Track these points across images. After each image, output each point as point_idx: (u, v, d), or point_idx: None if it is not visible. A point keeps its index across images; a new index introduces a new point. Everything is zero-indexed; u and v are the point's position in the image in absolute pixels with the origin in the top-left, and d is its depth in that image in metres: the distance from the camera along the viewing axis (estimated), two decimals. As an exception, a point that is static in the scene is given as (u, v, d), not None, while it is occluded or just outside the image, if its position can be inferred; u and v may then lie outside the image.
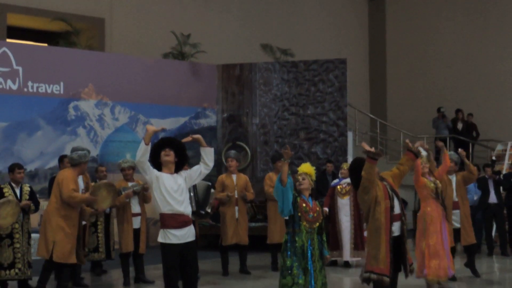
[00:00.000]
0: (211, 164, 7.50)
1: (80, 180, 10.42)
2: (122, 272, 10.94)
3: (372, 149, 8.65)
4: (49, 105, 14.93)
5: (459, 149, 11.47)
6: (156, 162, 7.40)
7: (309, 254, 7.78)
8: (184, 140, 7.50)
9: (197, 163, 7.57)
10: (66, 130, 15.21)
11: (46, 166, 14.61)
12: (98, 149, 15.65)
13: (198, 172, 7.49)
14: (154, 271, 12.04)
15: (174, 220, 7.22)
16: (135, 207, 10.91)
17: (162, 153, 7.33)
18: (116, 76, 16.02)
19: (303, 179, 7.95)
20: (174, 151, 7.38)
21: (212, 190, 11.61)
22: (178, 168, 7.43)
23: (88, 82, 15.58)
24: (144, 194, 10.89)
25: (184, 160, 7.46)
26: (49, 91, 14.91)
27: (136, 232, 10.89)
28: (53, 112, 15.03)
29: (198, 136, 7.51)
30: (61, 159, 11.61)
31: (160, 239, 7.30)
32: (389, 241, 8.80)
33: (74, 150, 10.43)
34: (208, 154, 7.48)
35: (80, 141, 14.98)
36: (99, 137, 15.77)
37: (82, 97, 15.47)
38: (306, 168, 8.03)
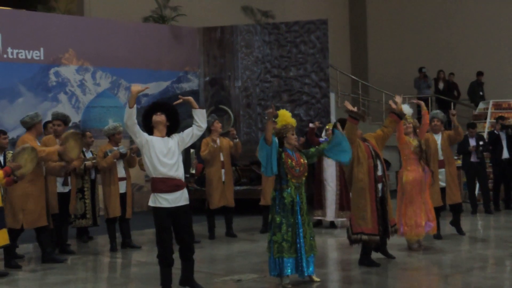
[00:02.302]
0: (204, 125, 7.49)
1: None
2: (109, 238, 10.92)
3: (355, 109, 8.70)
4: (29, 71, 14.78)
5: (450, 110, 11.48)
6: (149, 127, 7.39)
7: (297, 209, 7.87)
8: (176, 102, 7.48)
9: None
10: (48, 96, 15.08)
11: (28, 133, 14.46)
12: (80, 115, 15.55)
13: (190, 135, 7.47)
14: (140, 237, 12.06)
15: (164, 184, 7.21)
16: (120, 171, 10.88)
17: (154, 116, 7.32)
18: (97, 41, 15.86)
19: (293, 134, 8.02)
20: (166, 114, 7.37)
21: (192, 150, 11.54)
22: (170, 132, 7.42)
23: (68, 48, 15.43)
24: (130, 157, 10.88)
25: (176, 124, 7.44)
26: (29, 57, 14.75)
27: (122, 196, 10.86)
28: (34, 78, 14.88)
29: (189, 98, 7.49)
30: (45, 125, 11.52)
31: (151, 203, 7.31)
32: (375, 200, 8.88)
33: (54, 115, 10.46)
34: (200, 116, 7.47)
35: (62, 107, 14.86)
36: (81, 103, 15.65)
37: (62, 62, 15.33)
38: (286, 117, 8.08)
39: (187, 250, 7.45)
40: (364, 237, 8.85)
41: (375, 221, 8.83)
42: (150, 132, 7.38)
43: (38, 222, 9.64)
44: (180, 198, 7.32)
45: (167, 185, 7.23)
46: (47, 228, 9.84)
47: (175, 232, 7.39)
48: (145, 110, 7.45)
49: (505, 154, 15.14)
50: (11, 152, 10.44)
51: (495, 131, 15.26)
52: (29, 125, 9.83)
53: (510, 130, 15.23)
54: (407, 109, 9.84)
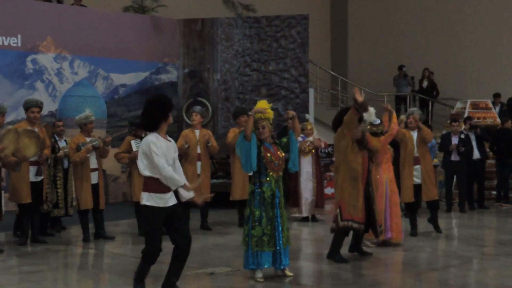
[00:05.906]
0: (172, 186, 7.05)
1: None
2: (82, 229, 10.81)
3: (361, 99, 8.47)
4: (6, 58, 14.63)
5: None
6: (156, 120, 6.97)
7: (277, 202, 7.85)
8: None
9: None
10: (24, 84, 14.94)
11: (3, 120, 14.32)
12: (56, 104, 15.42)
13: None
14: (114, 228, 11.99)
15: (161, 185, 6.88)
16: (92, 162, 10.70)
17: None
18: (75, 29, 15.73)
19: (263, 127, 7.95)
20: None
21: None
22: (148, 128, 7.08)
23: (47, 35, 15.29)
24: (103, 149, 10.73)
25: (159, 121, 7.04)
26: (6, 43, 14.60)
27: (95, 187, 10.73)
28: (10, 65, 14.74)
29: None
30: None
31: (145, 201, 6.94)
32: (365, 192, 8.96)
33: (25, 102, 10.33)
34: (181, 190, 7.07)
35: (38, 96, 14.71)
36: (57, 92, 15.52)
37: (40, 50, 15.18)
38: (261, 108, 8.04)
39: (185, 251, 7.15)
40: (355, 225, 8.88)
41: (363, 211, 8.94)
42: (153, 124, 6.97)
43: None
44: (172, 197, 7.06)
45: (164, 185, 6.99)
46: None
47: (173, 233, 7.10)
48: (163, 104, 7.00)
49: (476, 155, 15.14)
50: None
51: (464, 132, 15.16)
52: None
53: (478, 130, 15.28)
54: (371, 113, 9.66)
